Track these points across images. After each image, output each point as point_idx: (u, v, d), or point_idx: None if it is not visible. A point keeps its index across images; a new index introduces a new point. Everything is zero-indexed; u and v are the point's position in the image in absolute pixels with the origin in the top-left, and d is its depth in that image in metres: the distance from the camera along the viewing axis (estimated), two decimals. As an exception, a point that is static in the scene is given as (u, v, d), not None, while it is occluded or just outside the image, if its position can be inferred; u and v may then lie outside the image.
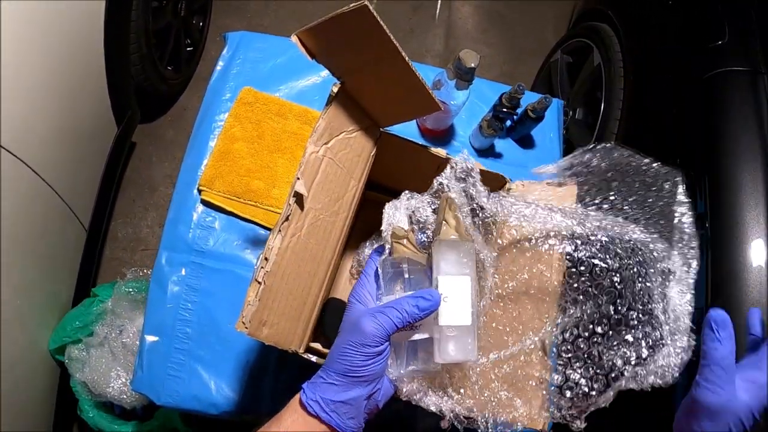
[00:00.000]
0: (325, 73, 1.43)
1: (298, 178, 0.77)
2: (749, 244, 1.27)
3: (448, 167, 0.81)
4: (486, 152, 1.41)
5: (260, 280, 0.71)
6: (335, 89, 0.83)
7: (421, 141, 1.37)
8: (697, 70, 1.54)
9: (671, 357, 0.70)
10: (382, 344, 0.64)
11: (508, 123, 1.35)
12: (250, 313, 0.69)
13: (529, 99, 1.34)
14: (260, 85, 1.41)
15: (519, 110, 1.32)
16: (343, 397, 0.63)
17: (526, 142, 1.44)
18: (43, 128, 1.46)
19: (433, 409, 0.73)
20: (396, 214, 0.74)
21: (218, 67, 1.45)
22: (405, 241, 0.73)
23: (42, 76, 1.42)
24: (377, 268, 0.73)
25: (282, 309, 0.76)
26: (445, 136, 1.41)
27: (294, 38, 0.76)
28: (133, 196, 2.37)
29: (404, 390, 0.72)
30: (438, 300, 0.67)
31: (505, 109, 1.25)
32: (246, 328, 0.69)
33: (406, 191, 0.80)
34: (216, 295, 1.22)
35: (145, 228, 2.33)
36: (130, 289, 1.71)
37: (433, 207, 0.78)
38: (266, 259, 0.72)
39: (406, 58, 0.75)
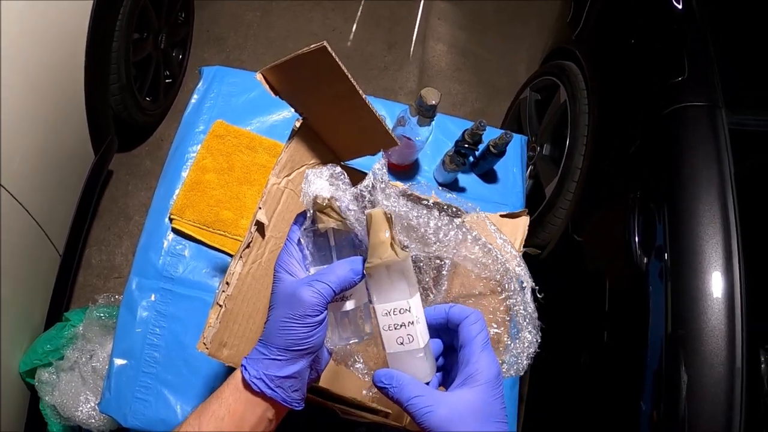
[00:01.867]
0: None
1: (260, 208, 0.80)
2: (708, 274, 1.30)
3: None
4: (450, 186, 1.46)
5: (221, 303, 0.74)
6: (297, 124, 0.88)
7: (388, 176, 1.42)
8: (657, 105, 1.61)
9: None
10: (322, 313, 0.63)
11: (471, 158, 1.40)
12: (211, 334, 0.72)
13: (492, 135, 1.40)
14: (232, 118, 1.45)
15: (481, 146, 1.37)
16: (288, 372, 0.62)
17: (490, 177, 1.50)
18: (21, 153, 1.49)
19: (361, 376, 0.75)
20: (317, 182, 0.71)
21: (193, 100, 1.50)
22: (328, 210, 0.70)
23: (21, 103, 1.46)
24: (299, 237, 0.71)
25: (242, 332, 0.79)
26: (410, 170, 1.46)
27: (258, 76, 0.80)
28: (108, 224, 2.38)
29: (338, 355, 0.74)
30: None
31: (467, 145, 1.31)
32: (206, 348, 0.72)
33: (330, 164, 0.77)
34: (184, 320, 1.24)
35: (119, 256, 2.34)
36: (102, 315, 1.72)
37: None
38: (227, 283, 0.75)
39: (364, 97, 0.80)
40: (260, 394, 0.62)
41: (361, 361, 0.79)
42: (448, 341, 0.70)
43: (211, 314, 0.73)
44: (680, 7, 1.73)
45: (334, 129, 0.91)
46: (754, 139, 1.51)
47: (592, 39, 2.11)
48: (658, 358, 1.31)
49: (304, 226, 0.71)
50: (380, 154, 0.84)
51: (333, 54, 0.73)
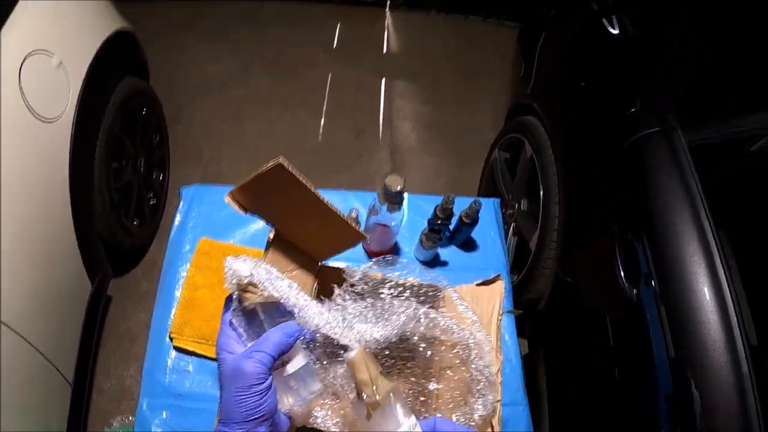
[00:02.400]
0: None
1: None
2: (697, 291, 1.34)
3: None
4: (432, 263, 1.50)
5: None
6: (271, 236, 0.94)
7: (369, 263, 1.47)
8: (617, 141, 1.67)
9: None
10: (266, 380, 0.68)
11: (447, 233, 1.45)
12: None
13: (463, 205, 1.46)
14: (216, 233, 1.51)
15: (454, 218, 1.43)
16: None
17: (469, 246, 1.55)
18: (21, 291, 1.54)
19: (327, 426, 0.79)
20: (235, 265, 0.76)
21: (176, 222, 1.56)
22: (250, 288, 0.76)
23: (17, 245, 1.52)
24: (230, 319, 0.76)
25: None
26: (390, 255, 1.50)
27: (227, 198, 0.87)
28: (113, 349, 2.40)
29: (298, 416, 0.78)
30: (300, 328, 0.74)
31: (439, 221, 1.37)
32: None
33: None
34: (197, 434, 1.26)
35: (128, 378, 2.35)
36: (116, 437, 1.73)
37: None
38: None
39: (326, 201, 0.87)
40: None
41: (321, 413, 0.83)
42: None
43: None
44: (616, 32, 1.84)
45: (305, 234, 0.96)
46: (721, 149, 1.57)
47: (546, 90, 2.22)
48: (667, 381, 1.33)
49: (233, 308, 0.76)
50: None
51: (290, 168, 0.79)
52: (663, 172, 1.52)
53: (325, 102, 3.22)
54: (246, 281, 0.75)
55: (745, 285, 1.46)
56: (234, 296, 0.76)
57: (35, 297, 1.61)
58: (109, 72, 2.13)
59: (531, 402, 1.36)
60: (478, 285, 1.00)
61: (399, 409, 0.72)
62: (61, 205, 1.76)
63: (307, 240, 0.99)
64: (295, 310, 0.77)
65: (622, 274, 1.52)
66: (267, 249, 0.94)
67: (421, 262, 1.51)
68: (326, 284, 1.08)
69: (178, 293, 1.42)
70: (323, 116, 3.14)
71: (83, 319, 1.95)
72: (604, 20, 1.93)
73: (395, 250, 1.53)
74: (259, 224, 1.54)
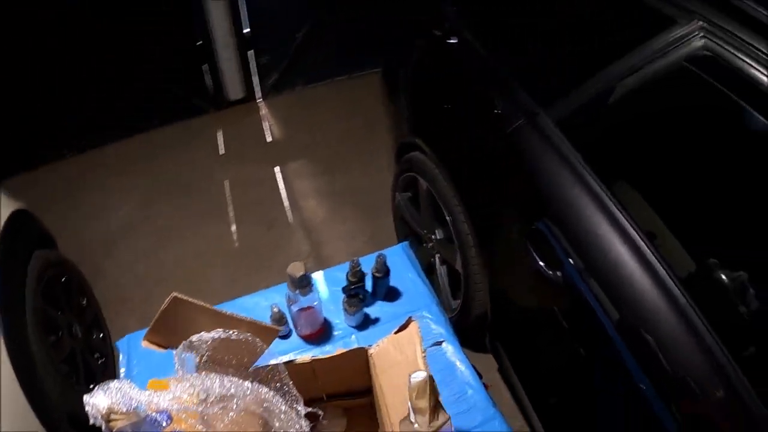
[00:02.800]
0: None
1: None
2: (612, 252, 1.40)
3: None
4: (364, 324, 1.57)
5: None
6: (196, 361, 0.99)
7: (308, 346, 1.53)
8: (493, 143, 1.78)
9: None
10: None
11: (365, 293, 1.52)
12: None
13: (371, 261, 1.54)
14: (163, 372, 1.52)
15: (367, 277, 1.50)
16: None
17: (393, 295, 1.62)
18: None
19: None
20: (92, 400, 0.79)
21: (122, 375, 1.59)
22: (113, 415, 0.79)
23: None
24: None
25: None
26: (324, 333, 1.57)
27: (144, 344, 0.92)
28: None
29: None
30: None
31: (353, 286, 1.44)
32: None
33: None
34: None
35: None
36: None
37: None
38: None
39: (228, 313, 0.93)
40: None
41: None
42: None
43: None
44: (455, 41, 2.00)
45: (224, 348, 1.02)
46: (586, 113, 1.63)
47: (419, 123, 2.32)
48: (623, 341, 1.38)
49: None
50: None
51: (184, 297, 0.86)
52: (542, 155, 1.60)
53: (230, 208, 3.27)
54: (105, 411, 0.77)
55: (666, 222, 1.54)
56: (104, 428, 0.78)
57: None
58: (15, 255, 2.12)
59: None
60: (395, 334, 1.06)
61: None
62: (21, 404, 1.77)
63: (230, 352, 1.04)
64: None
65: (541, 264, 1.57)
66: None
67: (354, 327, 1.57)
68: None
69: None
70: (232, 222, 3.19)
71: None
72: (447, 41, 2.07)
73: (326, 326, 1.58)
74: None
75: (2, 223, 2.08)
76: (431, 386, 0.75)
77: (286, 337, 1.57)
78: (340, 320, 1.60)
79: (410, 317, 1.04)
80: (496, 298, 2.01)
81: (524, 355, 2.00)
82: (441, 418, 0.73)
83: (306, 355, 1.45)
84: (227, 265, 3.00)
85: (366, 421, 1.22)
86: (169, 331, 0.93)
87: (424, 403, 0.74)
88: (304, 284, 1.33)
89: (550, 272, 1.55)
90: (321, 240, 3.09)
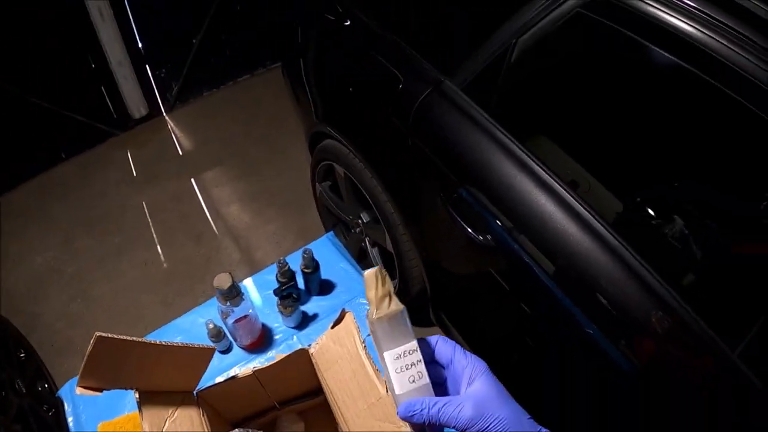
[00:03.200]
0: None
1: None
2: (538, 204, 1.42)
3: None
4: (304, 322, 1.57)
5: None
6: (137, 396, 0.97)
7: (252, 356, 1.51)
8: (403, 118, 1.75)
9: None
10: None
11: (298, 290, 1.51)
12: None
13: (298, 257, 1.53)
14: (110, 413, 1.49)
15: (298, 276, 1.50)
16: None
17: (328, 288, 1.61)
18: None
19: None
20: None
21: (71, 423, 1.53)
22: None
23: None
24: None
25: None
26: (264, 340, 1.55)
27: (78, 390, 0.88)
28: None
29: None
30: None
31: (284, 287, 1.43)
32: None
33: None
34: None
35: None
36: None
37: None
38: None
39: (158, 342, 0.91)
40: None
41: None
42: None
43: None
44: (348, 23, 2.01)
45: (164, 378, 0.99)
46: (490, 74, 1.63)
47: (327, 109, 2.29)
48: (567, 291, 1.41)
49: None
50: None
51: (109, 335, 0.83)
52: (453, 123, 1.60)
53: (152, 230, 3.17)
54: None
55: (589, 169, 1.61)
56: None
57: None
58: None
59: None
60: (332, 328, 1.06)
61: (408, 325, 0.73)
62: None
63: (170, 381, 1.01)
64: None
65: (469, 230, 1.59)
66: (139, 410, 0.96)
67: (294, 328, 1.56)
68: (210, 411, 1.12)
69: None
70: (157, 244, 3.10)
71: None
72: (342, 24, 2.07)
73: (265, 332, 1.57)
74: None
75: None
76: (381, 278, 0.74)
77: (227, 351, 1.55)
78: (279, 323, 1.58)
79: (343, 309, 1.04)
80: (432, 271, 2.03)
81: (470, 321, 2.04)
82: (393, 307, 0.73)
83: (248, 366, 1.45)
84: (159, 289, 2.93)
85: (323, 420, 1.21)
86: (102, 372, 0.89)
87: (372, 294, 0.73)
88: (233, 294, 1.31)
89: (480, 237, 1.56)
90: (250, 245, 3.05)
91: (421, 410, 0.68)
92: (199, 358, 1.03)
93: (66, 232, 3.23)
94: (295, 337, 1.54)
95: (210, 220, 3.19)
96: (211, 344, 1.50)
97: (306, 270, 1.50)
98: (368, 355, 0.97)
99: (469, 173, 1.58)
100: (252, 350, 1.53)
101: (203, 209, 3.25)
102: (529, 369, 1.80)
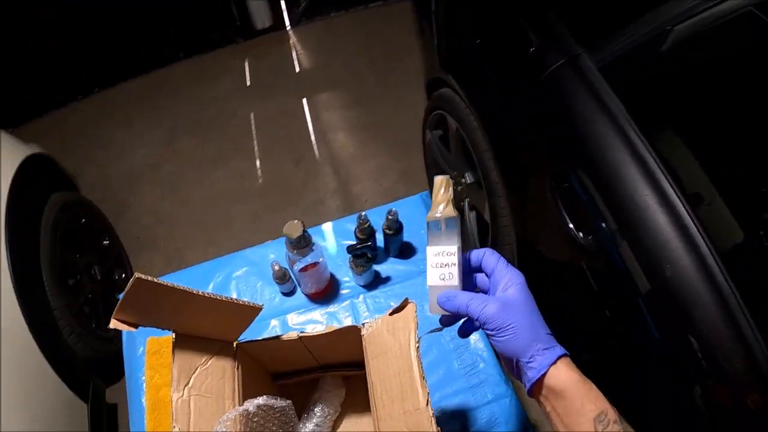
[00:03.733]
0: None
1: (174, 427, 0.83)
2: (650, 219, 1.25)
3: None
4: (374, 284, 1.46)
5: None
6: (172, 338, 0.90)
7: (313, 305, 1.43)
8: (528, 85, 1.59)
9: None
10: None
11: (374, 251, 1.39)
12: None
13: (382, 213, 1.41)
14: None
15: (378, 234, 1.39)
16: None
17: (407, 251, 1.49)
18: None
19: None
20: None
21: (123, 333, 1.52)
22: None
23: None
24: None
25: None
26: (330, 291, 1.46)
27: (113, 323, 0.83)
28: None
29: None
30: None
31: (359, 245, 1.32)
32: None
33: None
34: None
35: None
36: None
37: None
38: None
39: (199, 292, 0.83)
40: None
41: None
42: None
43: None
44: None
45: (203, 326, 0.93)
46: (632, 59, 1.46)
47: (451, 57, 2.13)
48: (655, 316, 1.27)
49: None
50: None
51: (148, 278, 0.76)
52: (580, 102, 1.42)
53: (255, 143, 3.16)
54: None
55: (717, 184, 1.37)
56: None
57: None
58: (29, 200, 2.09)
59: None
60: (390, 315, 0.95)
61: (456, 235, 0.81)
62: (30, 352, 1.74)
63: (209, 329, 0.95)
64: None
65: (571, 227, 1.46)
66: (173, 352, 0.90)
67: (363, 287, 1.46)
68: (250, 361, 1.05)
69: (144, 399, 1.39)
70: (257, 158, 3.09)
71: None
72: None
73: (333, 283, 1.48)
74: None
75: (14, 171, 2.04)
76: (446, 185, 0.85)
77: (290, 294, 1.48)
78: (349, 277, 1.49)
79: (407, 299, 0.92)
80: (524, 250, 1.88)
81: (547, 308, 1.87)
82: (448, 212, 0.82)
83: (308, 314, 1.37)
84: (251, 203, 2.93)
85: (365, 392, 1.12)
86: (140, 310, 0.84)
87: (437, 196, 0.84)
88: (302, 245, 1.21)
89: (581, 235, 1.43)
90: (349, 177, 2.96)
91: (452, 299, 0.77)
92: (244, 314, 0.96)
93: (171, 130, 3.28)
94: (361, 296, 1.44)
95: (314, 143, 3.13)
96: (276, 287, 1.45)
97: (388, 231, 1.38)
98: (419, 357, 0.86)
99: (585, 162, 1.40)
100: (315, 299, 1.46)
101: (309, 131, 3.20)
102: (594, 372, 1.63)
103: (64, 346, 2.00)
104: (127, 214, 3.02)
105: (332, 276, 1.48)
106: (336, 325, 0.99)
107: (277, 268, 1.37)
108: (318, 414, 1.21)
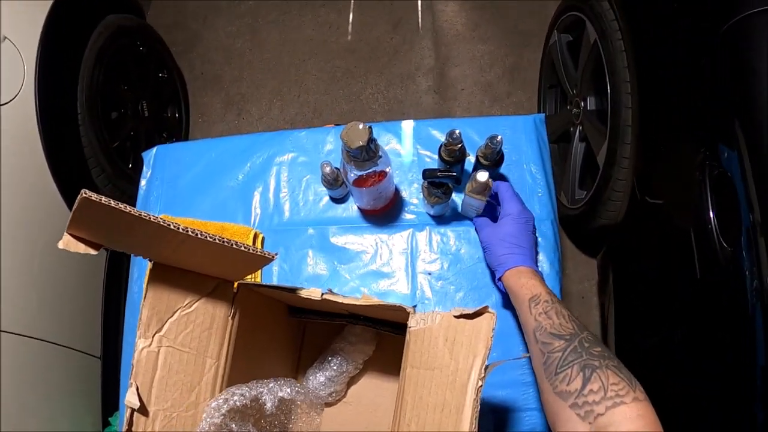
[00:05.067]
0: (242, 175, 1.24)
1: (131, 384, 0.64)
2: None
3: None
4: (448, 219, 1.14)
5: None
6: (147, 270, 0.67)
7: (364, 223, 1.15)
8: (709, 24, 1.21)
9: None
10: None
11: (456, 182, 1.06)
12: None
13: (483, 130, 1.12)
14: (180, 204, 1.26)
15: (470, 158, 1.05)
16: None
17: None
18: (30, 295, 1.55)
19: None
20: None
21: (141, 191, 1.30)
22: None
23: (15, 243, 1.49)
24: None
25: None
26: (391, 210, 1.16)
27: (63, 242, 0.59)
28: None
29: None
30: None
31: (440, 172, 0.98)
32: None
33: None
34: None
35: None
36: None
37: None
38: None
39: (179, 228, 0.55)
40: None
41: None
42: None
43: None
44: None
45: (191, 260, 0.65)
46: None
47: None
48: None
49: None
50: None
51: (101, 199, 0.53)
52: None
53: (353, -6, 2.74)
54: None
55: None
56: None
57: (45, 294, 1.60)
58: (79, 16, 1.87)
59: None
60: (456, 318, 0.63)
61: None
62: (45, 190, 1.64)
63: (200, 265, 0.68)
64: None
65: (714, 225, 1.13)
66: (145, 287, 0.66)
67: (433, 217, 1.14)
68: (256, 299, 0.78)
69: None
70: (351, 11, 2.67)
71: (103, 288, 1.90)
72: None
73: (396, 201, 1.16)
74: (226, 187, 1.25)
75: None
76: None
77: (341, 200, 1.18)
78: (418, 199, 1.17)
79: (486, 306, 0.60)
80: (633, 213, 1.54)
81: (633, 290, 1.59)
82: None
83: (356, 235, 1.18)
84: (333, 59, 2.59)
85: (395, 353, 0.84)
86: (101, 232, 0.60)
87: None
88: (364, 158, 0.88)
89: (720, 239, 1.11)
90: (450, 57, 2.53)
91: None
92: (248, 260, 0.67)
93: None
94: (427, 228, 1.13)
95: (419, 10, 2.67)
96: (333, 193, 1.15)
97: (483, 161, 1.03)
98: (478, 399, 0.58)
99: (756, 138, 1.05)
100: (368, 216, 1.15)
101: (416, -7, 2.72)
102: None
103: (90, 188, 1.82)
104: (196, 47, 2.75)
105: (397, 192, 1.16)
106: (375, 299, 0.70)
107: (328, 170, 1.06)
108: (333, 367, 0.99)
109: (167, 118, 2.47)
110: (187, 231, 0.56)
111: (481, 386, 0.57)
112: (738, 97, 1.11)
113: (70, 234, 0.58)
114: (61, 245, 0.58)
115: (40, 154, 1.60)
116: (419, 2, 2.67)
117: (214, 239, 0.57)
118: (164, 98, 2.45)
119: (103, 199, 0.50)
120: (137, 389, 0.64)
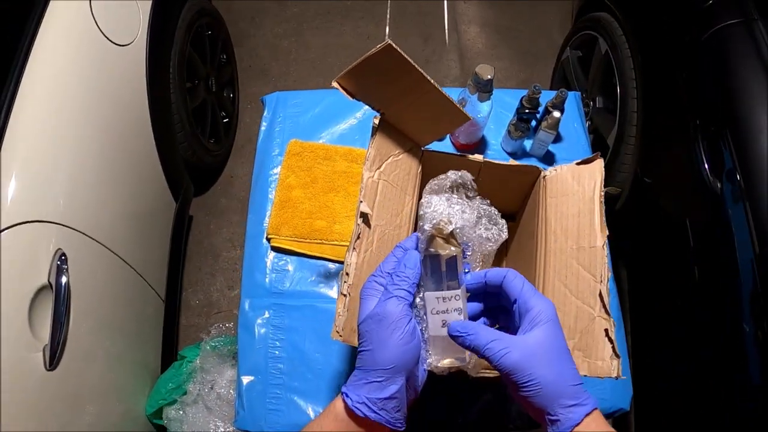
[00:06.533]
0: (360, 114, 1.57)
1: (362, 201, 0.87)
2: None
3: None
4: (518, 155, 1.52)
5: (345, 293, 0.80)
6: (376, 121, 0.96)
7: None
8: (695, 34, 1.60)
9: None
10: (409, 320, 0.66)
11: (534, 122, 1.45)
12: (342, 322, 0.78)
13: (547, 97, 1.45)
14: (303, 135, 1.55)
15: (540, 109, 1.42)
16: (389, 392, 0.63)
17: (555, 137, 1.54)
18: (114, 212, 1.58)
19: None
20: (440, 207, 0.75)
21: (262, 128, 1.59)
22: (449, 237, 0.74)
23: (106, 167, 1.56)
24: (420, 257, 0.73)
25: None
26: (478, 148, 1.52)
27: (335, 83, 0.88)
28: (198, 265, 2.49)
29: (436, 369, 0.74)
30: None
31: (527, 110, 1.37)
32: (340, 336, 0.77)
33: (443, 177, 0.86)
34: (300, 329, 1.31)
35: (216, 292, 2.44)
36: (216, 345, 1.82)
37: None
38: (347, 274, 0.82)
39: (432, 82, 0.88)
40: (364, 420, 0.64)
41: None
42: (493, 303, 0.77)
43: (338, 304, 0.79)
44: None
45: (409, 118, 0.98)
46: None
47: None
48: (751, 279, 1.30)
49: (421, 247, 0.75)
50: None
51: (398, 49, 0.80)
52: (745, 65, 1.46)
53: (388, 9, 3.15)
54: (448, 229, 0.73)
55: None
56: (420, 237, 0.75)
57: (125, 217, 1.65)
58: None
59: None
60: (577, 164, 1.00)
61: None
62: (143, 127, 1.79)
63: (411, 124, 1.00)
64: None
65: (706, 168, 1.48)
66: (373, 134, 0.95)
67: (508, 153, 1.51)
68: (430, 168, 1.11)
69: (271, 196, 1.46)
70: (387, 25, 3.09)
71: (170, 236, 2.02)
72: None
73: (482, 142, 1.54)
74: (346, 123, 1.57)
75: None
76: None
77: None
78: (495, 142, 1.54)
79: (599, 153, 0.97)
80: (636, 189, 1.92)
81: (637, 255, 1.92)
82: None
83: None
84: (370, 64, 2.94)
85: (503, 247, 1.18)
86: (364, 81, 0.89)
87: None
88: (486, 89, 1.26)
89: (710, 178, 1.46)
90: (472, 69, 2.91)
91: (470, 335, 0.66)
92: (451, 118, 1.00)
93: (311, -28, 3.26)
94: (510, 159, 1.50)
95: (446, 29, 3.12)
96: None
97: (551, 109, 1.41)
98: (603, 206, 0.91)
99: (735, 123, 1.44)
100: (460, 150, 1.52)
101: (443, 17, 3.17)
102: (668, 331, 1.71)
103: (172, 139, 2.08)
104: (244, 43, 3.06)
105: (483, 136, 1.53)
106: (518, 162, 1.04)
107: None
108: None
109: (225, 98, 2.73)
110: (432, 81, 0.89)
111: (602, 195, 0.93)
112: (719, 90, 1.51)
113: (338, 82, 0.89)
114: (333, 84, 0.88)
115: (143, 93, 1.78)
116: (446, 23, 3.12)
117: (441, 89, 0.90)
118: (223, 80, 2.71)
119: (400, 49, 0.82)
120: (366, 205, 0.90)
